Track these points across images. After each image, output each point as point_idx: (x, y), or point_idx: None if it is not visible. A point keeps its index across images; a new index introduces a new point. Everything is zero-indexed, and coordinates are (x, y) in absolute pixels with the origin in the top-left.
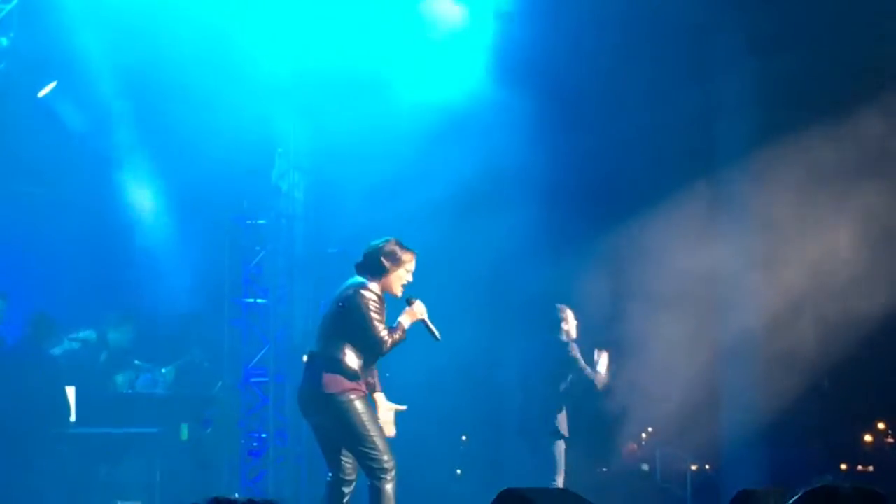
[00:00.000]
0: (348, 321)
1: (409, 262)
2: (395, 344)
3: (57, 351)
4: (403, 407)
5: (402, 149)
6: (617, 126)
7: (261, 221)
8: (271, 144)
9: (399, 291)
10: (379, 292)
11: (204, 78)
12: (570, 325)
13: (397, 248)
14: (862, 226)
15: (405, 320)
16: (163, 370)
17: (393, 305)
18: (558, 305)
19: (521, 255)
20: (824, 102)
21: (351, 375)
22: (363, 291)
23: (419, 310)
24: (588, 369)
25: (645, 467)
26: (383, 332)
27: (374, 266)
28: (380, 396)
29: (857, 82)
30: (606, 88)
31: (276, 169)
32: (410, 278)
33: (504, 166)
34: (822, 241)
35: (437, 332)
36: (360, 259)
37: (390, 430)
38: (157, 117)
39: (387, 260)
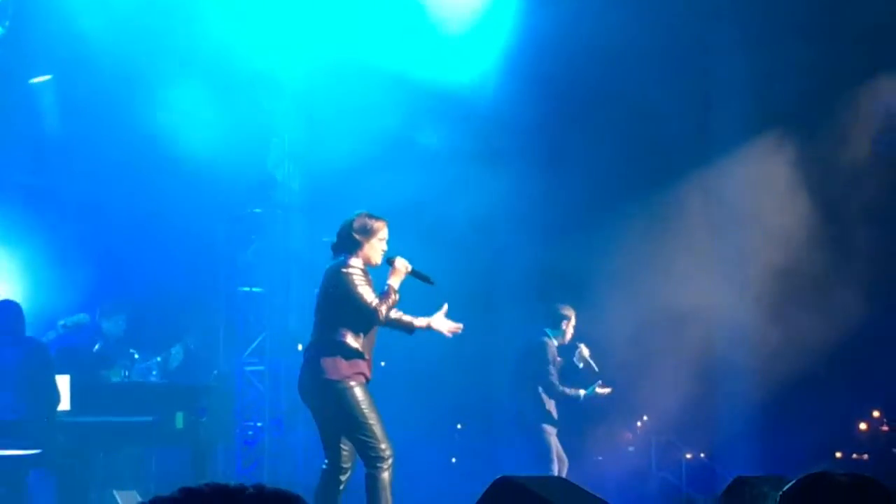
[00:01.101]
0: (338, 301)
1: (381, 231)
2: (390, 308)
3: (50, 336)
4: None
5: (399, 136)
6: (612, 120)
7: (256, 210)
8: (267, 133)
9: (378, 260)
10: (360, 264)
11: (200, 67)
12: (570, 328)
13: (367, 220)
14: (861, 215)
15: (393, 281)
16: (157, 358)
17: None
18: (564, 306)
19: (516, 245)
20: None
21: (353, 357)
22: (343, 270)
23: (402, 265)
24: (554, 375)
25: (631, 449)
26: (374, 299)
27: (349, 242)
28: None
29: (852, 75)
30: (601, 84)
31: (272, 158)
32: (385, 247)
33: (502, 154)
34: (816, 231)
35: (429, 277)
36: (334, 240)
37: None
38: (152, 107)
39: (358, 234)
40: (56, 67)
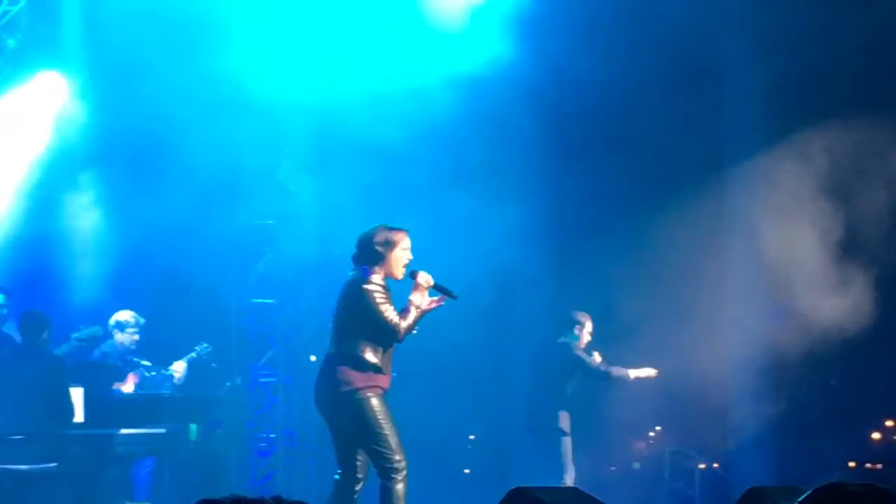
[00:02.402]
0: (357, 317)
1: (403, 241)
2: (410, 326)
3: (64, 349)
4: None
5: (412, 146)
6: (622, 126)
7: (269, 222)
8: (278, 144)
9: (401, 273)
10: (381, 281)
11: (210, 79)
12: (585, 334)
13: (388, 233)
14: (872, 224)
15: (416, 298)
16: (171, 370)
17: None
18: (580, 312)
19: (528, 252)
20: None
21: (370, 370)
22: (365, 286)
23: (425, 279)
24: (592, 363)
25: (636, 465)
26: (394, 318)
27: (371, 255)
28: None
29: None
30: (612, 90)
31: (283, 169)
32: (410, 256)
33: (512, 158)
34: (828, 238)
35: (452, 291)
36: (355, 251)
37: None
38: (163, 118)
39: (381, 247)
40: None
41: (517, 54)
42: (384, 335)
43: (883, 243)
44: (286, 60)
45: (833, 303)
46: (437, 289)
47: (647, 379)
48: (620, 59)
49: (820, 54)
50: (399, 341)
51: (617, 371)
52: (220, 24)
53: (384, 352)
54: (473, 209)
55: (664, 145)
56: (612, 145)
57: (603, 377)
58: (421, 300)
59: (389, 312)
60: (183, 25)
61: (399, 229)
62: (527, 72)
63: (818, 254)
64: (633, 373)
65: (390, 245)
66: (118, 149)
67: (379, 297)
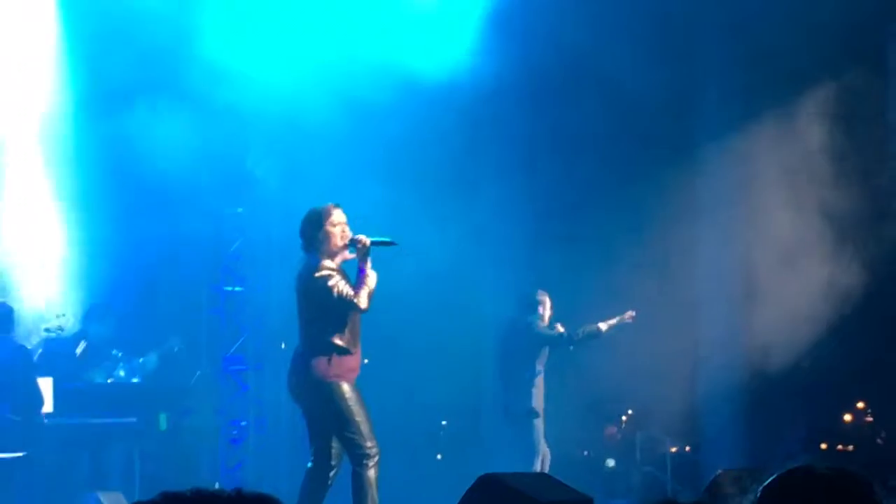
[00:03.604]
0: (315, 305)
1: (333, 216)
2: (370, 294)
3: (33, 341)
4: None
5: (380, 130)
6: (597, 107)
7: (238, 210)
8: (246, 131)
9: (340, 244)
10: (330, 264)
11: (176, 68)
12: (546, 310)
13: (315, 214)
14: (847, 206)
15: (362, 263)
16: (140, 360)
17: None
18: (539, 290)
19: (499, 236)
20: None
21: (340, 354)
22: (315, 275)
23: (363, 242)
24: (555, 332)
25: (611, 463)
26: (348, 290)
27: (309, 240)
28: None
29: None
30: (585, 71)
31: (251, 156)
32: (346, 228)
33: (484, 145)
34: (800, 222)
35: (390, 240)
36: (301, 242)
37: None
38: (130, 109)
39: (313, 228)
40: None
41: (490, 39)
42: (347, 312)
43: (857, 224)
44: (254, 48)
45: (805, 283)
46: (376, 245)
47: (623, 324)
48: (594, 34)
49: (792, 31)
50: (364, 310)
51: (585, 329)
52: (186, 12)
53: (350, 332)
54: (443, 193)
55: (639, 125)
56: (586, 126)
57: (570, 341)
58: (368, 263)
59: (341, 287)
60: (148, 15)
61: (325, 206)
62: (500, 55)
63: (790, 234)
64: (604, 325)
65: (320, 224)
66: (83, 141)
67: (330, 280)
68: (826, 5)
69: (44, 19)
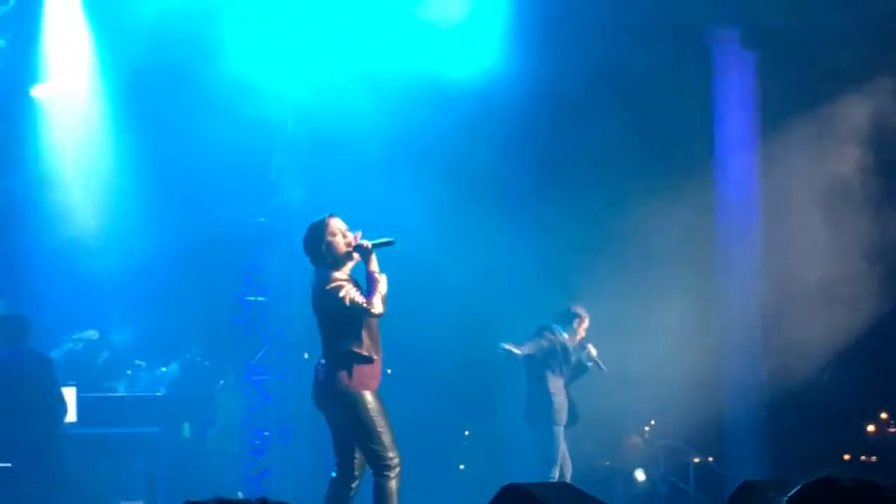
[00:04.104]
0: (330, 316)
1: (332, 226)
2: (383, 298)
3: (57, 352)
4: None
5: (403, 141)
6: (617, 114)
7: (261, 219)
8: (269, 141)
9: (346, 255)
10: (340, 275)
11: (201, 77)
12: (582, 327)
13: (315, 228)
14: (869, 214)
15: (371, 266)
16: (163, 369)
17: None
18: (578, 304)
19: (518, 242)
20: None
21: (362, 363)
22: (327, 287)
23: (365, 246)
24: (577, 354)
25: (640, 476)
26: (359, 298)
27: (315, 254)
28: None
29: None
30: (606, 79)
31: (275, 166)
32: (347, 235)
33: (504, 156)
34: (821, 232)
35: (388, 240)
36: (308, 258)
37: None
38: (154, 118)
39: (316, 242)
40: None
41: (510, 45)
42: (361, 320)
43: (882, 239)
44: (279, 58)
45: (828, 294)
46: (377, 247)
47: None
48: (609, 40)
49: (810, 35)
50: (380, 314)
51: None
52: (213, 25)
53: (369, 339)
54: (467, 203)
55: (662, 137)
56: (611, 138)
57: (584, 370)
58: (376, 267)
59: (353, 296)
60: (177, 28)
61: (322, 218)
62: (518, 61)
63: (813, 247)
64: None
65: (321, 237)
66: (112, 153)
67: (340, 290)
68: (860, 14)
69: (81, 38)
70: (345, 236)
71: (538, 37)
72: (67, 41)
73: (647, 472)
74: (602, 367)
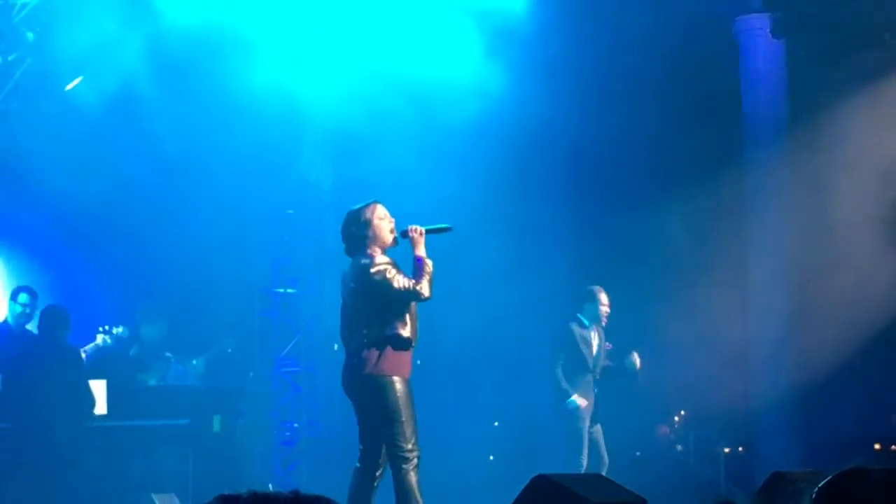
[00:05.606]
0: (376, 299)
1: (377, 211)
2: (430, 281)
3: (88, 345)
4: None
5: (429, 135)
6: (639, 110)
7: (290, 212)
8: (298, 134)
9: (390, 239)
10: (385, 258)
11: (231, 70)
12: (601, 306)
13: (358, 213)
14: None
15: (419, 251)
16: (193, 361)
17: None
18: (592, 285)
19: (552, 240)
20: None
21: (398, 348)
22: (372, 270)
23: (417, 232)
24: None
25: (679, 448)
26: (408, 283)
27: (357, 241)
28: None
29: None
30: (629, 74)
31: (304, 159)
32: (391, 220)
33: (533, 148)
34: (852, 220)
35: (445, 226)
36: (344, 245)
37: None
38: (184, 110)
39: (361, 227)
40: (88, 73)
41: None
42: (407, 304)
43: None
44: (309, 59)
45: (858, 284)
46: (431, 233)
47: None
48: (646, 38)
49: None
50: (427, 298)
51: (563, 384)
52: (241, 22)
53: (412, 324)
54: (496, 197)
55: (689, 127)
56: (639, 131)
57: (552, 377)
58: (423, 251)
59: (401, 279)
60: (206, 27)
61: (367, 204)
62: (544, 68)
63: (842, 236)
64: (570, 400)
65: (367, 223)
66: (138, 144)
67: (388, 272)
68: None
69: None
70: (390, 223)
71: (564, 29)
72: (102, 37)
73: (676, 463)
74: (637, 378)
